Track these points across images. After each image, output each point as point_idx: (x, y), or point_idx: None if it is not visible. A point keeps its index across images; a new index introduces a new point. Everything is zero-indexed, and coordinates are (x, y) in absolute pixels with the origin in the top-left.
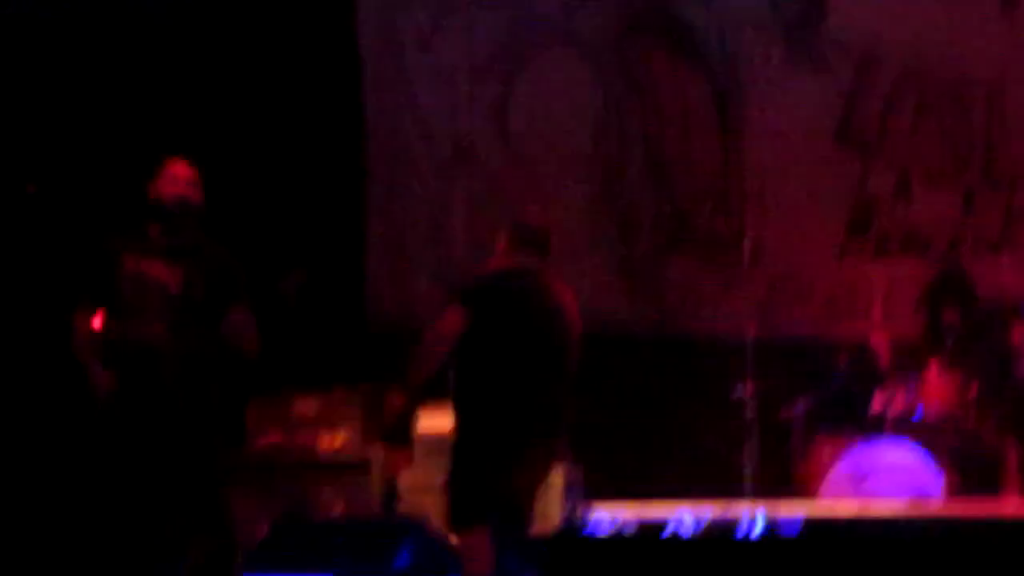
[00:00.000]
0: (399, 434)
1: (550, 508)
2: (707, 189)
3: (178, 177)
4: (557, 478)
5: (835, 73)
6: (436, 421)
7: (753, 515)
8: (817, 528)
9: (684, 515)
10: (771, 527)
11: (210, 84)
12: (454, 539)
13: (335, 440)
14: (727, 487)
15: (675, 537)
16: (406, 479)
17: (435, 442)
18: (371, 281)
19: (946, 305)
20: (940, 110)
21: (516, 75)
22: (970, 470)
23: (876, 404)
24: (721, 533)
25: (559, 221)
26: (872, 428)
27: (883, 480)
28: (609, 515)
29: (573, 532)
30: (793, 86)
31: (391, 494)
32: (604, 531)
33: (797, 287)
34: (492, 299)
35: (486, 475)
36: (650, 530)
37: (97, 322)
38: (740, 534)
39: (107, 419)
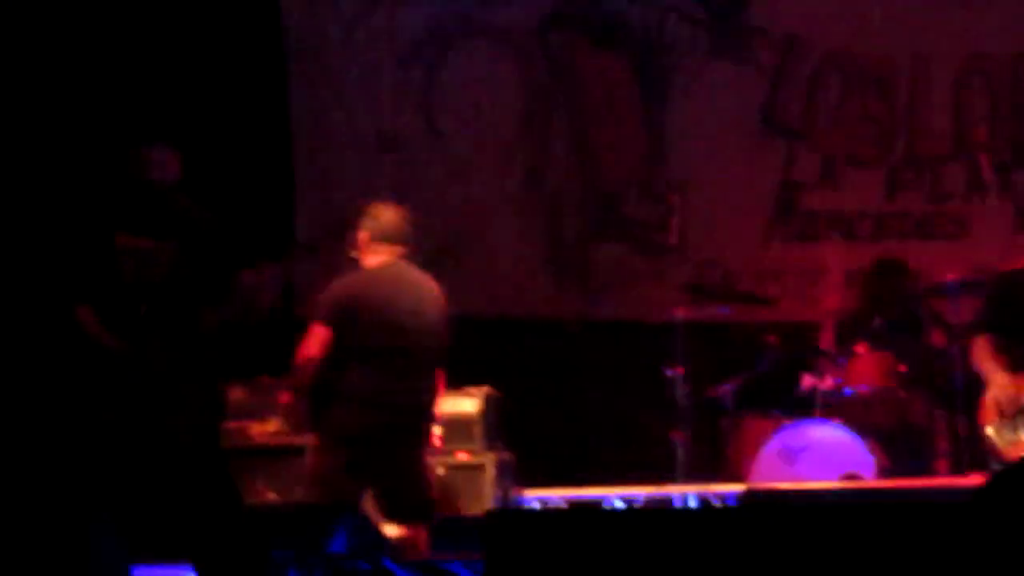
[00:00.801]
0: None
1: (482, 494)
2: (633, 175)
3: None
4: (489, 465)
5: (759, 58)
6: None
7: (685, 497)
8: (752, 500)
9: (616, 499)
10: (705, 503)
11: (137, 78)
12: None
13: (268, 426)
14: (658, 470)
15: (608, 510)
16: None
17: None
18: (298, 274)
19: (885, 289)
20: (863, 92)
21: (440, 66)
22: (900, 447)
23: (805, 384)
24: (656, 508)
25: (486, 209)
26: (801, 408)
27: (813, 459)
28: (540, 500)
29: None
30: (717, 72)
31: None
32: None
33: (723, 271)
34: (348, 311)
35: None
36: (583, 507)
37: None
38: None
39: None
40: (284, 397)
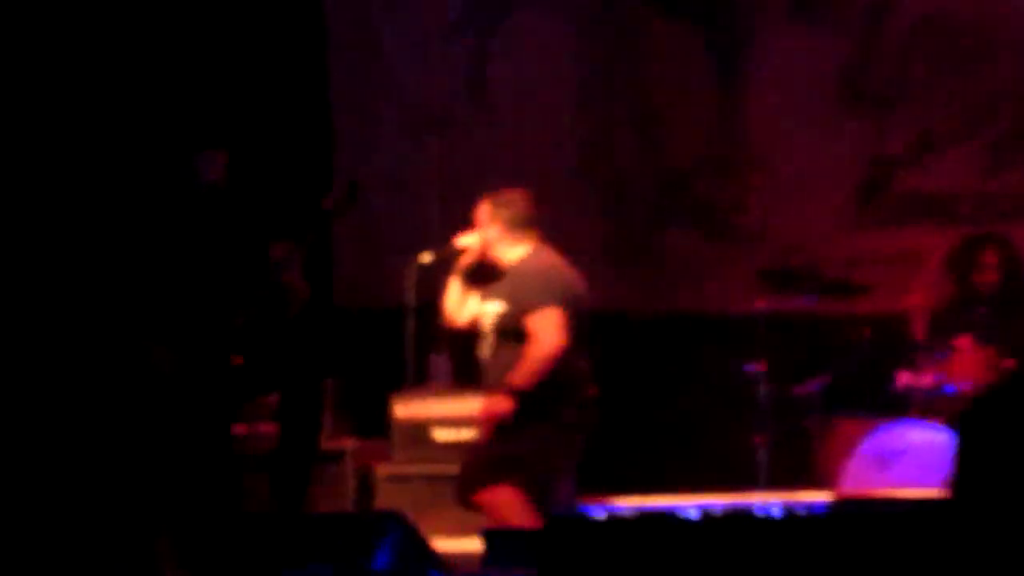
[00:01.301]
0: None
1: None
2: (705, 153)
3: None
4: None
5: (844, 23)
6: (413, 409)
7: (768, 506)
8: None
9: (690, 508)
10: (790, 513)
11: (173, 53)
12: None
13: None
14: (739, 478)
15: (681, 520)
16: (384, 469)
17: (411, 430)
18: (338, 255)
19: (982, 268)
20: (962, 59)
21: (491, 35)
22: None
23: (901, 381)
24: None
25: (541, 191)
26: (897, 408)
27: (911, 464)
28: (606, 510)
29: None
30: (798, 38)
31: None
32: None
33: (808, 257)
34: (575, 296)
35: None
36: (652, 516)
37: None
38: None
39: None
40: (496, 400)
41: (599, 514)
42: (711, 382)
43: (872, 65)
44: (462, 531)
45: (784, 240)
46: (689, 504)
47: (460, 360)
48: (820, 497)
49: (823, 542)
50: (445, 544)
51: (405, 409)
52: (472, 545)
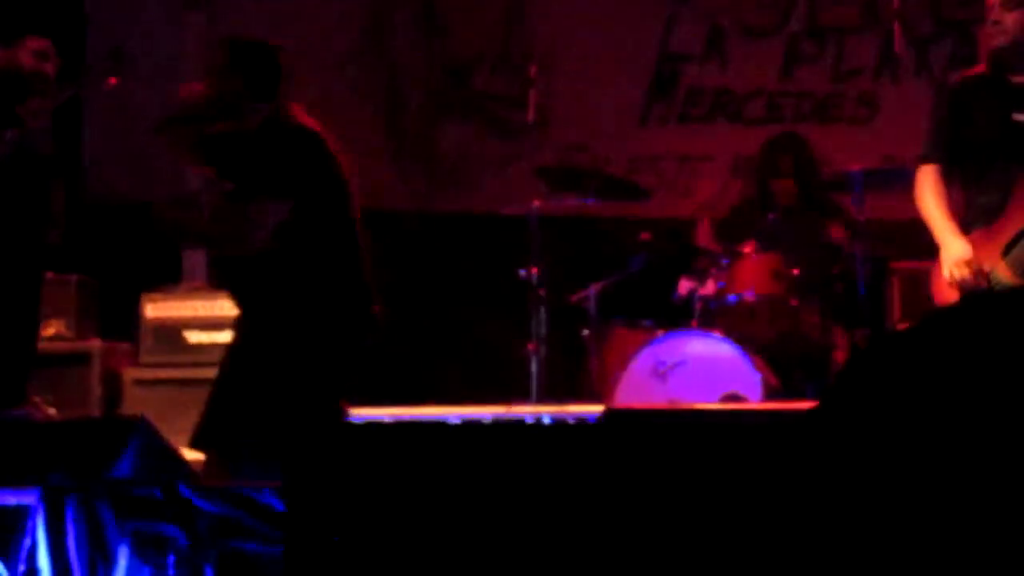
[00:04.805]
0: None
1: None
2: (487, 43)
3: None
4: None
5: None
6: (164, 309)
7: (539, 418)
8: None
9: (456, 420)
10: (559, 423)
11: None
12: None
13: (46, 330)
14: (509, 389)
15: (443, 426)
16: (132, 372)
17: (162, 331)
18: (89, 142)
19: (779, 174)
20: None
21: None
22: (791, 363)
23: (682, 288)
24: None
25: (314, 80)
26: (677, 317)
27: (690, 376)
28: (367, 420)
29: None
30: None
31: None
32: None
33: (591, 157)
34: None
35: None
36: (413, 424)
37: None
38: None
39: None
40: None
41: (356, 421)
42: (484, 287)
43: None
44: None
45: (565, 137)
46: (456, 415)
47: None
48: (594, 410)
49: (591, 453)
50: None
51: (155, 309)
52: None
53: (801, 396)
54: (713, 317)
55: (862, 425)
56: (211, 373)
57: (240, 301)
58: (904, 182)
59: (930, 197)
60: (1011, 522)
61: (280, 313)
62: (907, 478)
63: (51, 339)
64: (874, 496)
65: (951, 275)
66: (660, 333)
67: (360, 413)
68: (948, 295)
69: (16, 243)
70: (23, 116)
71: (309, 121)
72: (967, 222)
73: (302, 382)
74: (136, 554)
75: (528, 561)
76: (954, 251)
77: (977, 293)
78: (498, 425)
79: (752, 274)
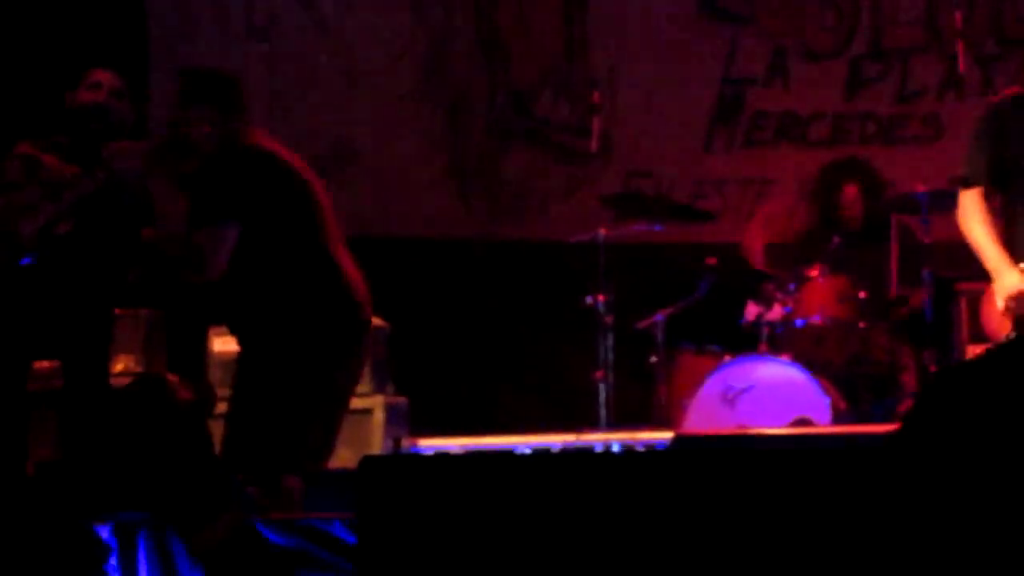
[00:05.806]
0: None
1: (370, 443)
2: (549, 70)
3: (101, 83)
4: (377, 409)
5: None
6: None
7: (608, 446)
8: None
9: (525, 449)
10: (629, 451)
11: None
12: None
13: (115, 365)
14: (578, 417)
15: (512, 457)
16: None
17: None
18: None
19: (845, 202)
20: None
21: None
22: (860, 387)
23: (749, 314)
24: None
25: (376, 111)
26: (745, 342)
27: (758, 401)
28: (437, 450)
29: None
30: None
31: None
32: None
33: (656, 182)
34: None
35: None
36: (482, 455)
37: None
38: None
39: None
40: None
41: (424, 453)
42: (551, 315)
43: None
44: None
45: (629, 163)
46: (525, 444)
47: None
48: (664, 437)
49: (661, 480)
50: None
51: (223, 343)
52: None
53: (869, 419)
54: (781, 341)
55: (946, 450)
56: None
57: (232, 332)
58: None
59: (977, 225)
60: None
61: (261, 340)
62: (993, 505)
63: (119, 375)
64: (958, 524)
65: (1006, 307)
66: (728, 358)
67: (429, 444)
68: (1000, 325)
69: (94, 281)
70: (107, 157)
71: (269, 143)
72: (1015, 249)
73: (301, 402)
74: None
75: None
76: (1008, 282)
77: None
78: (568, 454)
79: (819, 298)
